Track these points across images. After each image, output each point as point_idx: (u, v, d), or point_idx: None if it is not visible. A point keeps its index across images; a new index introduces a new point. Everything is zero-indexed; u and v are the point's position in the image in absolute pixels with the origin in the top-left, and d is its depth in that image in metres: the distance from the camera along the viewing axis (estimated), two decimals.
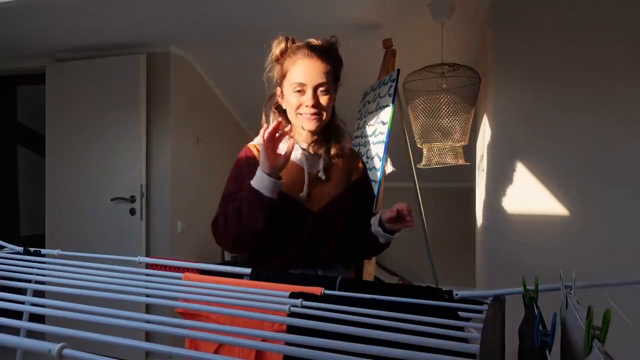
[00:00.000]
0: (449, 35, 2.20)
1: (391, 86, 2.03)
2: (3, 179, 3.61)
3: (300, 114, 1.08)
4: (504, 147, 1.81)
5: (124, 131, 2.79)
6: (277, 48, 1.11)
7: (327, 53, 1.08)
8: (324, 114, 1.09)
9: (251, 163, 1.09)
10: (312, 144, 1.14)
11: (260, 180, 0.99)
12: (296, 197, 1.08)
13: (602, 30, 1.67)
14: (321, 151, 1.13)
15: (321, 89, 1.07)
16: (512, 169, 1.78)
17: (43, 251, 1.03)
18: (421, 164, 2.37)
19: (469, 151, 2.45)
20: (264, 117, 1.17)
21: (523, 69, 1.78)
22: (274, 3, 2.18)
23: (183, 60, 2.96)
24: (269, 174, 0.98)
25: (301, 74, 1.06)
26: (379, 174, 1.95)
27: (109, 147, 2.81)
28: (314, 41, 1.09)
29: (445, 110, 2.10)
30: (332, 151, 1.14)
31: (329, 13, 2.31)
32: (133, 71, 2.75)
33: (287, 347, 0.48)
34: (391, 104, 1.98)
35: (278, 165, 0.98)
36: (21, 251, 1.05)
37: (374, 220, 1.11)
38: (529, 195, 1.74)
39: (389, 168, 2.11)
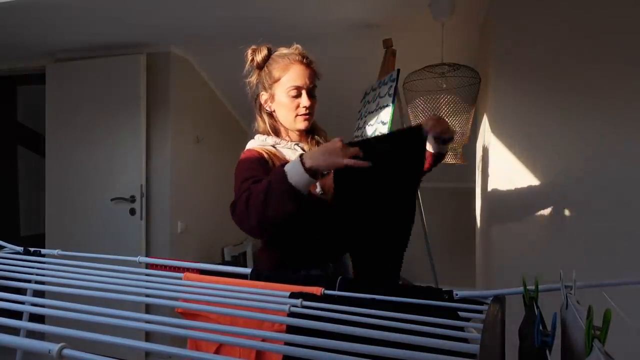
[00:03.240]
0: (449, 35, 2.20)
1: (391, 86, 2.03)
2: (3, 179, 3.61)
3: (298, 114, 1.18)
4: (503, 147, 1.81)
5: (124, 131, 2.79)
6: (258, 55, 1.21)
7: (311, 60, 1.20)
8: (314, 113, 1.22)
9: (261, 160, 1.12)
10: (308, 142, 1.24)
11: (296, 170, 0.94)
12: (314, 193, 1.13)
13: (602, 30, 1.67)
14: (314, 146, 1.23)
15: (312, 92, 1.19)
16: (512, 169, 1.78)
17: (43, 251, 1.03)
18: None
19: (469, 151, 2.45)
20: (259, 120, 1.25)
21: (523, 69, 1.78)
22: (274, 3, 2.18)
23: (183, 60, 2.96)
24: (307, 170, 0.93)
25: (297, 78, 1.16)
26: None
27: (109, 147, 2.81)
28: (300, 49, 1.20)
29: (445, 110, 2.11)
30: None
31: (329, 13, 2.31)
32: (133, 71, 2.75)
33: (287, 347, 0.48)
34: (391, 104, 1.98)
35: (321, 171, 0.96)
36: (21, 251, 1.05)
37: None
38: (528, 195, 1.74)
39: None
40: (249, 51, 1.22)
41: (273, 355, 0.78)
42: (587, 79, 1.69)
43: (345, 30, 2.45)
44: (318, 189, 1.14)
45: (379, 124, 2.06)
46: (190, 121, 3.09)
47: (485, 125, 2.07)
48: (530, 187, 1.75)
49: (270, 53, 1.21)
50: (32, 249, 1.04)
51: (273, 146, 1.20)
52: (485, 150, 2.02)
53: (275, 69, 1.18)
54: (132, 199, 2.76)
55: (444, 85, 2.11)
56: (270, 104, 1.21)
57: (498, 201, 1.82)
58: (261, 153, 1.14)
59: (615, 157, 1.65)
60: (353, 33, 2.47)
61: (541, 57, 1.74)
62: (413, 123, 2.30)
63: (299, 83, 1.16)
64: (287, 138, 1.23)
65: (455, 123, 2.12)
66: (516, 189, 1.77)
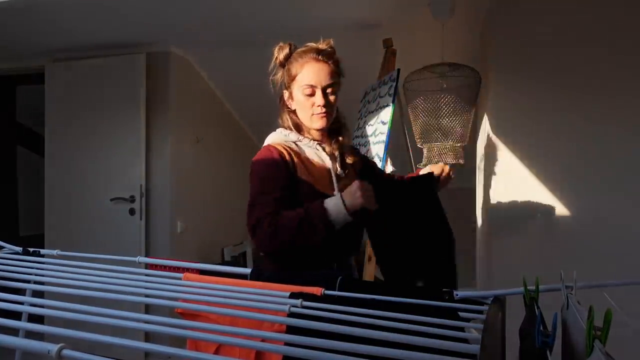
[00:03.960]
0: (449, 35, 2.19)
1: (391, 86, 2.03)
2: (2, 179, 3.60)
3: (313, 113, 1.16)
4: (504, 147, 1.81)
5: (124, 131, 2.78)
6: (280, 53, 1.19)
7: (331, 55, 1.17)
8: (332, 112, 1.18)
9: (280, 165, 1.11)
10: (331, 143, 1.22)
11: (338, 209, 1.02)
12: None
13: (602, 30, 1.67)
14: (335, 149, 1.21)
15: (329, 89, 1.15)
16: (513, 169, 1.78)
17: (42, 251, 1.03)
18: (421, 164, 2.37)
19: (469, 151, 2.45)
20: (282, 117, 1.24)
21: (523, 69, 1.78)
22: (274, 3, 2.18)
23: (183, 60, 2.96)
24: (348, 211, 1.02)
25: (311, 76, 1.14)
26: None
27: (109, 147, 2.81)
28: (319, 45, 1.17)
29: (446, 110, 2.10)
30: (344, 149, 1.25)
31: (330, 13, 2.31)
32: (133, 71, 2.75)
33: (286, 347, 0.48)
34: (391, 104, 1.98)
35: (358, 208, 1.03)
36: (20, 251, 1.05)
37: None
38: (529, 195, 1.74)
39: (389, 168, 2.11)
40: (275, 49, 1.21)
41: (273, 356, 0.78)
42: (587, 79, 1.69)
43: (345, 30, 2.45)
44: (336, 192, 1.13)
45: (379, 124, 2.06)
46: (190, 121, 3.09)
47: (485, 125, 2.07)
48: (530, 187, 1.74)
49: (292, 50, 1.19)
50: (31, 249, 1.04)
51: (295, 142, 1.19)
52: (485, 150, 2.02)
53: (293, 66, 1.17)
54: (132, 199, 2.76)
55: (444, 85, 2.11)
56: (290, 102, 1.21)
57: (498, 201, 1.82)
58: (281, 152, 1.13)
59: (616, 157, 1.65)
60: (353, 33, 2.47)
61: (541, 57, 1.74)
62: (413, 123, 2.30)
63: (312, 81, 1.14)
64: (309, 136, 1.21)
65: (456, 123, 2.11)
66: (516, 189, 1.77)
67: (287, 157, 1.12)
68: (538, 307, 0.56)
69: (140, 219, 2.76)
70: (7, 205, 3.60)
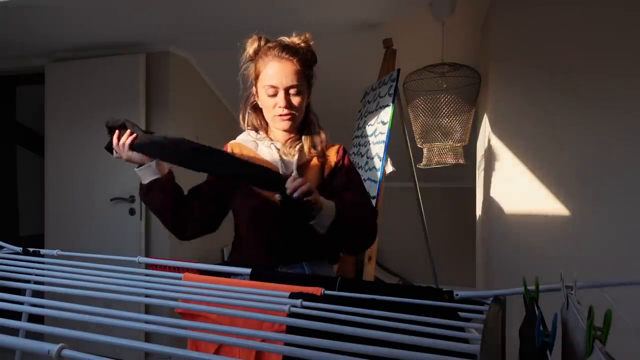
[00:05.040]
0: (449, 35, 2.20)
1: (391, 86, 2.03)
2: (2, 179, 3.60)
3: (275, 114, 1.10)
4: (504, 147, 1.81)
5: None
6: (250, 47, 1.12)
7: (297, 52, 1.08)
8: (296, 114, 1.11)
9: None
10: (286, 144, 1.14)
11: (143, 172, 1.11)
12: (272, 198, 1.06)
13: (602, 30, 1.67)
14: (295, 150, 1.13)
15: (292, 90, 1.08)
16: (512, 169, 1.78)
17: (42, 251, 1.03)
18: (421, 164, 2.37)
19: (469, 151, 2.45)
20: (240, 116, 1.22)
21: (523, 69, 1.78)
22: (274, 3, 2.18)
23: (182, 60, 2.96)
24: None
25: (272, 76, 1.07)
26: (379, 174, 1.95)
27: None
28: (284, 40, 1.10)
29: (446, 110, 2.11)
30: (305, 149, 1.14)
31: (329, 13, 2.31)
32: (132, 71, 2.75)
33: (286, 347, 0.48)
34: (391, 104, 1.98)
35: (132, 159, 1.09)
36: (20, 251, 1.05)
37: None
38: (529, 195, 1.74)
39: (389, 168, 2.11)
40: (246, 41, 1.14)
41: (273, 356, 0.78)
42: (587, 79, 1.69)
43: (345, 30, 2.45)
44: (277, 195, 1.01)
45: (379, 124, 2.06)
46: (190, 121, 3.09)
47: (485, 125, 2.07)
48: (530, 187, 1.75)
49: (260, 45, 1.11)
50: (31, 249, 1.04)
51: (255, 141, 1.17)
52: (485, 150, 2.02)
53: (259, 63, 1.10)
54: (132, 199, 2.76)
55: (444, 85, 2.11)
56: (257, 99, 1.16)
57: (498, 201, 1.82)
58: (228, 148, 1.19)
59: (616, 156, 1.65)
60: (353, 33, 2.47)
61: (541, 57, 1.74)
62: (413, 123, 2.30)
63: (273, 82, 1.07)
64: (272, 136, 1.17)
65: (456, 123, 2.12)
66: (516, 189, 1.77)
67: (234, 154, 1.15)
68: (538, 307, 0.56)
69: (140, 219, 2.75)
70: (7, 205, 3.60)
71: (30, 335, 1.28)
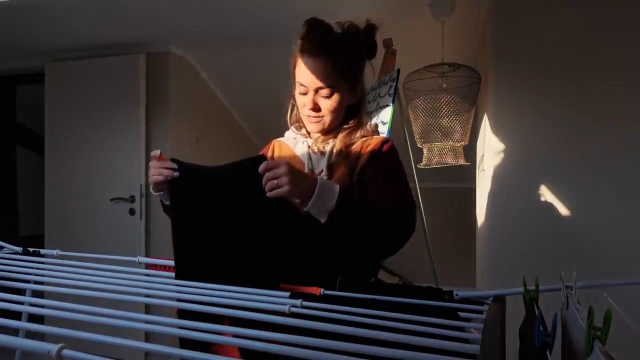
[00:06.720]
0: (449, 35, 2.20)
1: (391, 86, 2.03)
2: (2, 179, 3.60)
3: (304, 114, 1.01)
4: (504, 147, 1.81)
5: (124, 131, 2.78)
6: (299, 39, 1.00)
7: (329, 47, 0.93)
8: (327, 118, 0.99)
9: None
10: (318, 140, 1.03)
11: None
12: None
13: (602, 29, 1.67)
14: (326, 148, 1.00)
15: (323, 92, 0.96)
16: (512, 169, 1.78)
17: (42, 251, 1.03)
18: (421, 164, 2.37)
19: (469, 151, 2.45)
20: (288, 110, 1.11)
21: (523, 69, 1.78)
22: (274, 3, 2.18)
23: (183, 60, 2.96)
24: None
25: (302, 73, 0.96)
26: None
27: (109, 147, 2.81)
28: (315, 34, 0.97)
29: (446, 110, 2.11)
30: (337, 147, 0.99)
31: (329, 13, 2.30)
32: (132, 71, 2.75)
33: (287, 347, 0.48)
34: (391, 104, 1.98)
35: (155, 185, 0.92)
36: (20, 251, 1.05)
37: None
38: (529, 195, 1.74)
39: None
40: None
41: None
42: (587, 79, 1.68)
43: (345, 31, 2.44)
44: None
45: (379, 124, 2.06)
46: (190, 121, 3.09)
47: (485, 125, 2.07)
48: (530, 187, 1.74)
49: (304, 32, 1.00)
50: (31, 249, 1.04)
51: (295, 139, 1.09)
52: (485, 150, 2.02)
53: (297, 55, 0.98)
54: (132, 199, 2.76)
55: (444, 85, 2.11)
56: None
57: (498, 201, 1.82)
58: (268, 147, 1.13)
59: (616, 156, 1.65)
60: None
61: (541, 57, 1.74)
62: (413, 123, 2.30)
63: (302, 80, 0.96)
64: (305, 132, 1.08)
65: (456, 123, 2.12)
66: (516, 189, 1.77)
67: (269, 153, 1.11)
68: (538, 307, 0.56)
69: (140, 219, 2.75)
70: (7, 205, 3.59)
71: (30, 335, 1.28)
